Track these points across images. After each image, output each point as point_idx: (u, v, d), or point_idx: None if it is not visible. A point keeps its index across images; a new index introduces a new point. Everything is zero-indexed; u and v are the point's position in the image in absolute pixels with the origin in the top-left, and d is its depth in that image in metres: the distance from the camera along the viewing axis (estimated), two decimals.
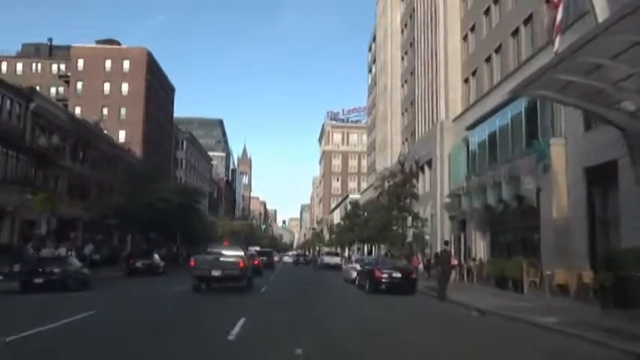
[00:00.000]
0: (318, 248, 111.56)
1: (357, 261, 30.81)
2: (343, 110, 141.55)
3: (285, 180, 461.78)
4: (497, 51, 32.46)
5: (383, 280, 21.65)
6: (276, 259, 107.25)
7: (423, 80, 46.04)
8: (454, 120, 37.83)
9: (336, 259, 54.29)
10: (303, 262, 70.04)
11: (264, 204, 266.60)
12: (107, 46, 71.56)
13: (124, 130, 69.41)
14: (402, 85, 58.18)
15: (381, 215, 35.10)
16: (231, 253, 21.26)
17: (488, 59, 33.78)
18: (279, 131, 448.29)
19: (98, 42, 74.03)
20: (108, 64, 70.48)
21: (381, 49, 65.36)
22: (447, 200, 37.56)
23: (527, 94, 17.68)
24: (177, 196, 47.50)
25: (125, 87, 70.43)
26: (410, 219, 35.49)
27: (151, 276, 31.87)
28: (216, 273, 19.73)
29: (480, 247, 32.08)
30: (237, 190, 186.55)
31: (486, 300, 18.46)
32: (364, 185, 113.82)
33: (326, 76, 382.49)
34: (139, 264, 33.25)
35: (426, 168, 39.86)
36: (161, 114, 79.44)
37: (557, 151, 22.75)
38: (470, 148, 33.30)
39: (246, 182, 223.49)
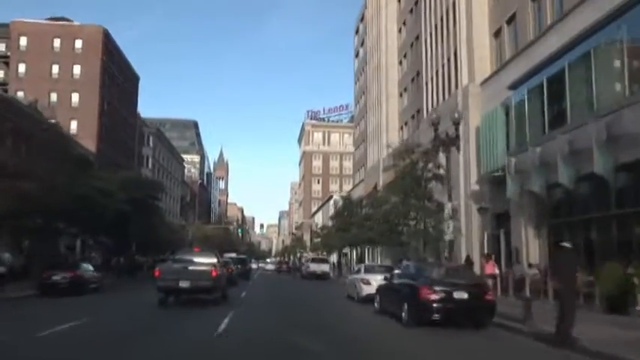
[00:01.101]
0: (299, 254, 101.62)
1: (367, 270, 21.02)
2: (324, 109, 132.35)
3: (263, 187, 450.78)
4: None
5: (435, 305, 12.06)
6: (254, 266, 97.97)
7: (432, 46, 36.81)
8: (483, 83, 28.59)
9: (324, 267, 44.70)
10: (286, 270, 60.18)
11: (242, 210, 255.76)
12: (55, 22, 61.00)
13: (75, 120, 58.98)
14: (400, 62, 48.97)
15: (392, 207, 25.53)
16: (203, 261, 18.59)
17: None
18: (256, 138, 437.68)
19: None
20: (56, 43, 60.04)
21: (372, 25, 56.11)
22: (475, 188, 28.32)
23: None
24: (129, 190, 37.60)
25: (77, 70, 60.05)
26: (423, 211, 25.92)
27: (75, 295, 21.83)
28: (184, 284, 17.05)
29: (534, 249, 22.77)
30: (212, 195, 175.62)
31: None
32: (347, 187, 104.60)
33: (306, 82, 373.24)
34: (57, 278, 23.08)
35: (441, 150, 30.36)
36: (122, 104, 69.05)
37: None
38: (514, 114, 23.99)
39: (223, 187, 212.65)
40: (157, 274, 17.81)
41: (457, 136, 18.89)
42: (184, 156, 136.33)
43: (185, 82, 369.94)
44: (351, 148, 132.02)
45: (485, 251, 26.63)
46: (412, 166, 23.72)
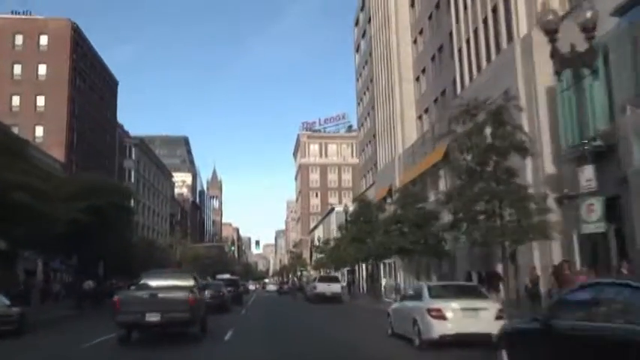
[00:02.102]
0: (299, 273, 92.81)
1: (435, 292, 11.98)
2: (319, 120, 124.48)
3: (258, 206, 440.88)
4: None
5: None
6: (251, 287, 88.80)
7: (466, 2, 28.90)
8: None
9: (335, 287, 36.15)
10: (287, 291, 51.72)
11: (237, 230, 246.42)
12: (16, 17, 52.85)
13: (41, 126, 50.71)
14: (415, 41, 41.05)
15: (445, 199, 16.95)
16: (177, 285, 14.55)
17: None
18: (250, 159, 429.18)
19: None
20: (18, 39, 51.87)
21: (378, 7, 48.28)
22: (552, 171, 20.22)
23: None
24: (91, 196, 29.41)
25: (43, 69, 51.81)
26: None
27: None
28: (153, 317, 12.72)
29: None
30: (206, 215, 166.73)
31: None
32: (346, 201, 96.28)
33: (299, 100, 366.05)
34: None
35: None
36: (98, 110, 60.77)
37: None
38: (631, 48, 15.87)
39: (217, 206, 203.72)
40: (115, 305, 13.27)
41: (591, 51, 10.61)
42: (175, 174, 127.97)
43: (176, 103, 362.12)
44: (350, 160, 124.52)
45: (577, 258, 18.44)
46: (479, 132, 15.47)
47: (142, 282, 15.51)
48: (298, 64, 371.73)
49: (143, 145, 76.75)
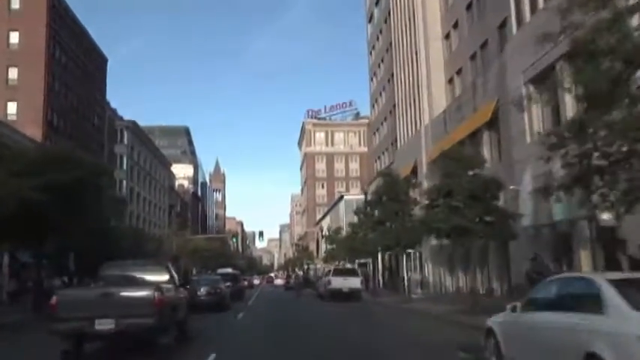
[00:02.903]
0: (306, 266, 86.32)
1: (633, 299, 5.63)
2: (325, 107, 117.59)
3: (262, 201, 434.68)
4: None
5: None
6: (256, 282, 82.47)
7: None
8: None
9: (354, 282, 29.65)
10: (293, 287, 45.39)
11: (242, 224, 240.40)
12: None
13: (14, 102, 44.39)
14: None
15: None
16: (143, 279, 11.48)
17: None
18: (254, 154, 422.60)
19: None
20: None
21: None
22: None
23: None
24: (52, 171, 23.11)
25: (15, 37, 45.37)
26: None
27: None
28: (104, 326, 9.39)
29: None
30: (209, 208, 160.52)
31: None
32: (354, 191, 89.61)
33: (305, 97, 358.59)
34: None
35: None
36: (83, 87, 54.35)
37: None
38: None
39: (220, 200, 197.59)
40: (52, 308, 9.59)
41: None
42: (176, 165, 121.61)
43: (178, 97, 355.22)
44: (357, 148, 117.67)
45: None
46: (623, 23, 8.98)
47: (100, 274, 12.15)
48: (303, 57, 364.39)
49: (137, 129, 70.26)
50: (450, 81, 33.14)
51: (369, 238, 28.56)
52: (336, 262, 46.26)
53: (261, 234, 59.29)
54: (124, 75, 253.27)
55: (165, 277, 11.91)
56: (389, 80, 46.96)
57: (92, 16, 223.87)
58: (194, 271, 70.24)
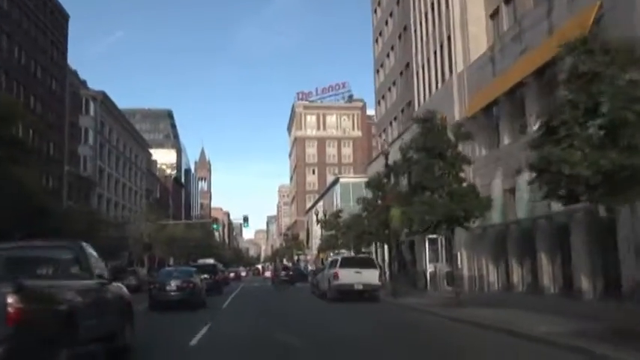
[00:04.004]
0: (296, 257, 78.25)
1: None
2: (316, 90, 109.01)
3: (249, 194, 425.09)
4: None
5: None
6: (243, 274, 74.44)
7: None
8: None
9: (371, 275, 21.49)
10: (288, 280, 37.16)
11: (228, 214, 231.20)
12: None
13: None
14: None
15: None
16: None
17: None
18: (240, 148, 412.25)
19: None
20: None
21: None
22: None
23: None
24: None
25: None
26: None
27: None
28: None
29: None
30: (193, 196, 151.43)
31: None
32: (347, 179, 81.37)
33: (293, 88, 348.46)
34: None
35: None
36: (37, 46, 45.55)
37: None
38: None
39: (206, 189, 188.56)
40: None
41: None
42: (158, 150, 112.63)
43: (164, 87, 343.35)
44: (351, 133, 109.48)
45: None
46: None
47: None
48: (290, 47, 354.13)
49: (108, 102, 61.33)
50: (494, 15, 25.01)
51: (396, 215, 20.21)
52: (335, 251, 38.19)
53: (245, 219, 50.77)
54: (109, 66, 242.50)
55: (74, 267, 7.45)
56: (400, 36, 38.90)
57: (77, 6, 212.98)
58: (171, 262, 62.09)
